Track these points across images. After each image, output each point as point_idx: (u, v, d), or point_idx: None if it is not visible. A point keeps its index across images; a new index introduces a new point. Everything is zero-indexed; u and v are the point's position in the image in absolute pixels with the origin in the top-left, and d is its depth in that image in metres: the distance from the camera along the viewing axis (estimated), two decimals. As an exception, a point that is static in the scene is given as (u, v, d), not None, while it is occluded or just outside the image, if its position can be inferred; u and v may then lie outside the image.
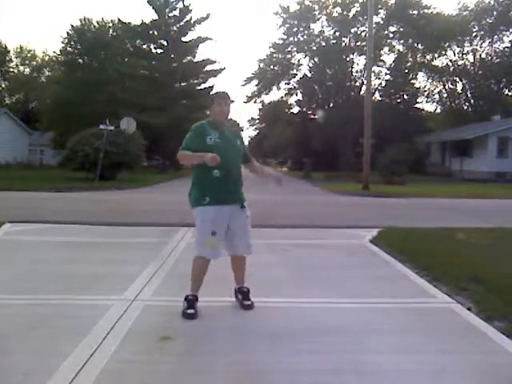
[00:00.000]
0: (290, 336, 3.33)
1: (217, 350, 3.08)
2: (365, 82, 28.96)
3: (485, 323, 3.61)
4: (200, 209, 3.69)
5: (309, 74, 45.02)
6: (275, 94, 68.89)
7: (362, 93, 40.08)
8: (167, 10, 35.37)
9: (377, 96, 44.02)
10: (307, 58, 44.51)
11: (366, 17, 29.53)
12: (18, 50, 54.42)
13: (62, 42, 39.67)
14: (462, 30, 40.83)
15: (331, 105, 44.52)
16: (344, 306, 4.03)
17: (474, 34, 42.15)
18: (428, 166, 34.43)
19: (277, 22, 43.23)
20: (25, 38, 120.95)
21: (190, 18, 35.60)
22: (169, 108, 31.69)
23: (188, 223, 7.63)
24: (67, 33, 39.04)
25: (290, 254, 6.15)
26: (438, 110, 51.14)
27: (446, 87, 46.75)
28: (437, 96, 48.35)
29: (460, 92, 45.81)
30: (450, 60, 44.54)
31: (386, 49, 43.56)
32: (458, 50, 43.83)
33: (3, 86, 52.76)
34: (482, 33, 41.99)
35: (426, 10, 41.61)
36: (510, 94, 44.01)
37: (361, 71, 43.06)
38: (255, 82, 45.30)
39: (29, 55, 55.17)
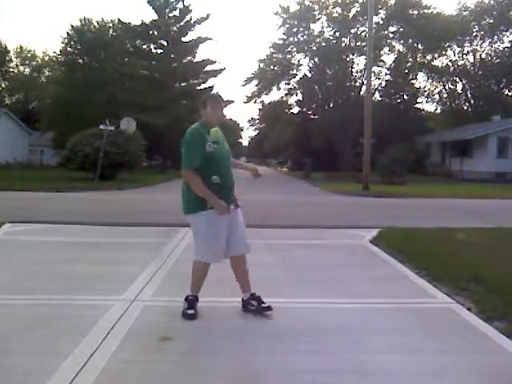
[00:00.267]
0: (289, 336, 3.33)
1: (217, 350, 3.08)
2: (365, 82, 28.96)
3: (485, 323, 3.61)
4: (202, 214, 3.61)
5: (309, 74, 45.03)
6: (275, 94, 68.86)
7: (362, 93, 40.07)
8: (167, 10, 35.37)
9: (377, 96, 44.05)
10: (307, 58, 44.53)
11: (365, 17, 29.52)
12: (18, 50, 54.50)
13: (62, 42, 39.70)
14: (462, 30, 40.82)
15: (331, 105, 44.52)
16: (344, 306, 4.04)
17: (474, 34, 42.14)
18: (428, 166, 34.44)
19: (277, 22, 43.24)
20: (25, 38, 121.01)
21: (190, 18, 35.62)
22: (169, 108, 31.69)
23: (188, 223, 7.67)
24: (67, 33, 39.07)
25: (289, 254, 6.15)
26: (438, 110, 51.17)
27: (446, 87, 46.77)
28: (437, 96, 48.39)
29: (460, 92, 45.82)
30: (450, 60, 44.59)
31: (386, 49, 43.55)
32: (458, 50, 43.86)
33: (3, 86, 52.80)
34: (482, 33, 41.97)
35: (425, 10, 41.60)
36: (510, 94, 44.01)
37: (361, 71, 43.08)
38: (255, 82, 45.29)
39: (29, 55, 55.21)
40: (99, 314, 3.62)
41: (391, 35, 43.12)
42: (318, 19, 42.87)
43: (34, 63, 55.08)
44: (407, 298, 4.30)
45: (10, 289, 4.37)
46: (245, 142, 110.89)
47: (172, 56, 35.33)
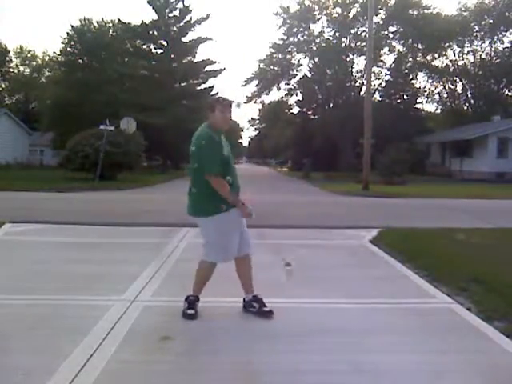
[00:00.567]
0: (289, 336, 3.33)
1: (217, 350, 3.08)
2: (365, 82, 28.94)
3: (485, 323, 3.61)
4: (218, 217, 3.59)
5: (309, 75, 45.05)
6: (275, 95, 69.12)
7: (362, 93, 40.07)
8: (167, 11, 35.37)
9: (377, 96, 44.07)
10: (307, 58, 44.58)
11: (365, 17, 29.53)
12: (18, 50, 54.56)
13: (62, 43, 39.71)
14: (462, 30, 40.85)
15: (331, 105, 44.55)
16: (344, 306, 4.04)
17: (474, 34, 42.16)
18: (428, 166, 34.45)
19: (277, 22, 43.31)
20: (25, 38, 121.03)
21: (190, 19, 35.61)
22: (169, 108, 31.69)
23: (188, 223, 7.66)
24: (67, 33, 39.07)
25: (289, 255, 6.15)
26: (438, 111, 51.21)
27: (446, 87, 46.79)
28: (437, 96, 48.44)
29: (460, 92, 45.84)
30: (450, 60, 44.61)
31: (386, 49, 43.58)
32: (458, 50, 43.90)
33: (3, 86, 52.85)
34: (482, 33, 42.00)
35: (425, 10, 41.63)
36: (510, 94, 44.02)
37: (361, 71, 43.11)
38: (255, 82, 45.33)
39: (29, 55, 55.27)
40: (99, 314, 3.62)
41: (391, 35, 43.15)
42: (318, 19, 42.94)
43: (34, 63, 55.13)
44: (407, 298, 4.30)
45: (10, 289, 4.37)
46: (245, 142, 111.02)
47: (172, 56, 35.33)
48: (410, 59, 43.97)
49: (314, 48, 42.84)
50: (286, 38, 43.10)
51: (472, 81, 43.38)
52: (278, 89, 46.37)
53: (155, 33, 35.68)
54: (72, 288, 4.38)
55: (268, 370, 2.83)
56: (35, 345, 3.09)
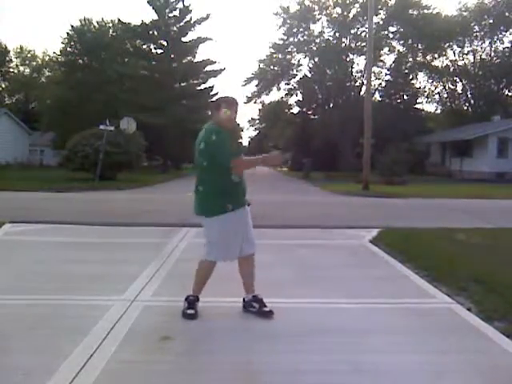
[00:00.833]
0: (289, 336, 3.33)
1: (217, 350, 3.08)
2: (365, 82, 28.95)
3: (485, 323, 3.61)
4: (223, 217, 3.57)
5: (309, 75, 45.06)
6: (275, 95, 69.06)
7: (362, 93, 40.08)
8: (167, 11, 35.37)
9: (377, 96, 44.08)
10: (307, 58, 44.61)
11: (365, 17, 29.54)
12: (18, 50, 54.57)
13: (62, 43, 39.76)
14: (462, 30, 40.86)
15: (331, 105, 44.55)
16: (344, 306, 4.03)
17: (474, 34, 42.17)
18: (428, 166, 34.45)
19: (277, 22, 43.37)
20: (25, 38, 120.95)
21: (190, 19, 35.62)
22: (169, 108, 31.70)
23: (188, 223, 7.67)
24: (67, 33, 39.11)
25: (289, 254, 6.15)
26: (438, 111, 51.24)
27: (446, 87, 46.81)
28: (437, 96, 48.45)
29: (460, 92, 45.85)
30: (450, 60, 44.62)
31: (385, 49, 43.61)
32: (458, 50, 43.91)
33: (3, 86, 52.84)
34: (482, 33, 42.01)
35: (425, 10, 41.65)
36: (510, 94, 44.03)
37: (361, 71, 43.12)
38: (255, 82, 45.38)
39: (29, 55, 55.28)
40: (99, 314, 3.62)
41: (391, 35, 43.18)
42: (318, 19, 42.98)
43: (34, 63, 55.13)
44: (407, 298, 4.30)
45: (10, 289, 4.37)
46: (245, 142, 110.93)
47: (172, 56, 35.33)
48: (410, 59, 43.99)
49: (314, 48, 42.85)
50: (285, 38, 43.13)
51: (472, 81, 43.39)
52: (278, 89, 46.48)
53: (155, 33, 35.68)
54: (72, 288, 4.38)
55: (268, 369, 2.83)
56: (35, 345, 3.09)
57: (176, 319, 3.60)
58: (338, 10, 42.52)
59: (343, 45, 42.93)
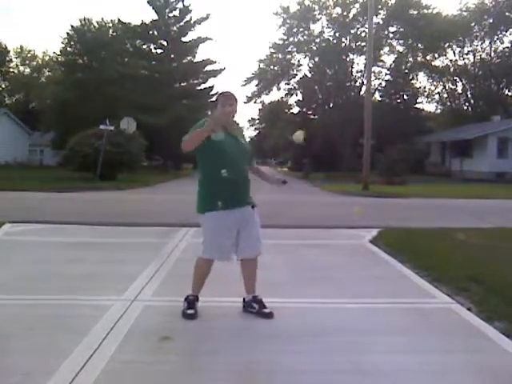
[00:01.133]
0: (289, 336, 3.32)
1: (217, 350, 3.07)
2: (365, 82, 28.95)
3: (485, 323, 3.60)
4: (212, 214, 3.57)
5: (309, 75, 45.06)
6: (275, 95, 69.10)
7: (362, 93, 40.08)
8: (167, 10, 35.41)
9: (377, 96, 44.09)
10: (307, 58, 44.62)
11: (365, 17, 29.53)
12: (18, 50, 54.55)
13: (62, 43, 39.78)
14: (462, 30, 40.86)
15: (331, 105, 44.55)
16: (344, 306, 4.03)
17: (474, 34, 42.17)
18: (428, 166, 34.44)
19: (277, 22, 43.41)
20: (25, 38, 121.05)
21: (190, 18, 35.67)
22: (169, 108, 31.71)
23: (188, 223, 7.67)
24: (67, 33, 39.12)
25: (289, 255, 6.15)
26: (438, 111, 51.24)
27: (446, 87, 46.82)
28: (437, 96, 48.47)
29: (460, 92, 45.86)
30: (450, 60, 44.65)
31: (386, 49, 43.65)
32: (458, 50, 43.92)
33: (3, 86, 52.84)
34: (482, 33, 42.02)
35: (426, 10, 41.65)
36: (510, 94, 44.05)
37: (361, 71, 43.11)
38: (255, 82, 45.38)
39: (29, 55, 55.28)
40: (99, 314, 3.61)
41: (391, 35, 43.19)
42: (318, 19, 42.98)
43: (34, 63, 55.14)
44: (407, 298, 4.29)
45: (10, 289, 4.36)
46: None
47: (172, 56, 35.38)
48: (410, 59, 44.00)
49: (314, 48, 42.86)
50: (286, 37, 43.15)
51: (472, 81, 43.41)
52: (278, 89, 46.49)
53: (155, 33, 35.72)
54: (72, 288, 4.38)
55: (268, 369, 2.82)
56: (35, 345, 3.09)
57: (176, 319, 3.60)
58: (338, 9, 42.54)
59: (343, 45, 42.93)
